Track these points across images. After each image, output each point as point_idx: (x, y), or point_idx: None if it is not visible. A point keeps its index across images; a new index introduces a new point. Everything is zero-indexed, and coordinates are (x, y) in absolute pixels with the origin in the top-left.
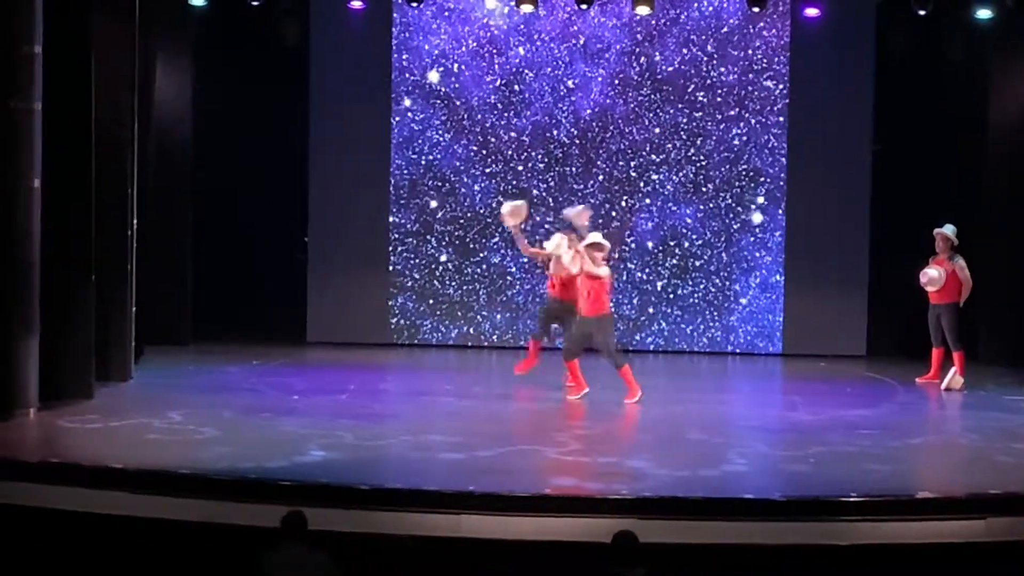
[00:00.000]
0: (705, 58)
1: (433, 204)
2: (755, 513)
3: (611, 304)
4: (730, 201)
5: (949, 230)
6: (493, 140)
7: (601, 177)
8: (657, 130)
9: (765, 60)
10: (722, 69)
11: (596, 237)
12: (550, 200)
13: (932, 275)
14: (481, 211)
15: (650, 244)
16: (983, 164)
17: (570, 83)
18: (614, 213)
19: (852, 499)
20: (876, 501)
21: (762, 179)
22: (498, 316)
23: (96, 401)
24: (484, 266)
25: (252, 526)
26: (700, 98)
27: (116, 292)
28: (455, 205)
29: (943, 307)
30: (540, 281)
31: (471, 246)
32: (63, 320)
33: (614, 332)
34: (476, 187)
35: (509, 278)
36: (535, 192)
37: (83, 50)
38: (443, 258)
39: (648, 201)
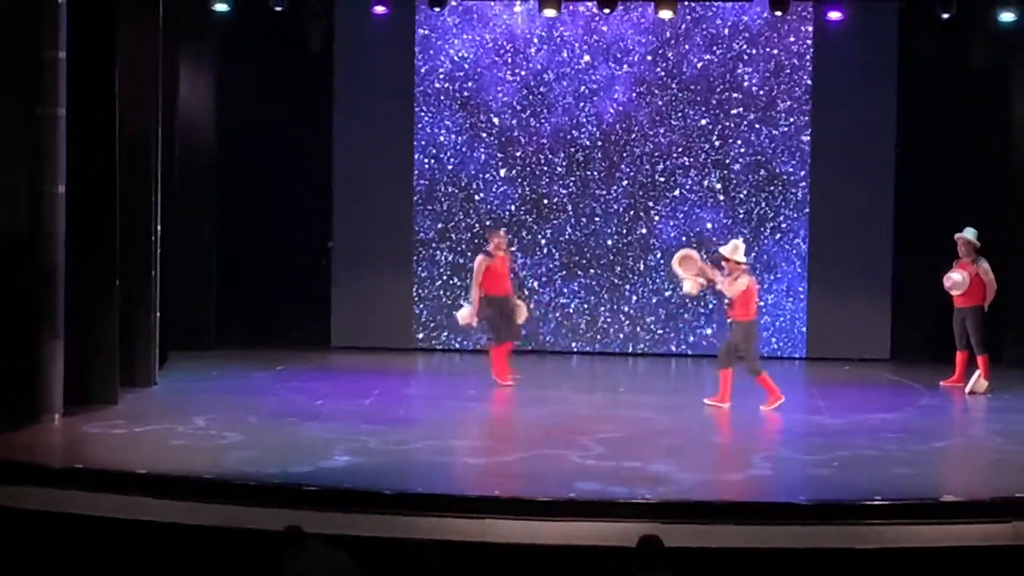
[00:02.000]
0: (729, 61)
1: (456, 209)
2: (780, 517)
3: (756, 310)
4: (754, 205)
5: (970, 233)
6: (515, 144)
7: (625, 182)
8: (682, 132)
9: (788, 63)
10: (746, 72)
11: (733, 251)
12: (569, 207)
13: (956, 279)
14: (502, 216)
15: (675, 248)
16: (1007, 167)
17: (593, 86)
18: (641, 224)
19: (877, 503)
20: (901, 505)
21: (786, 182)
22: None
23: (121, 406)
24: None
25: (277, 531)
26: (724, 101)
27: (140, 297)
28: (477, 210)
29: (968, 310)
30: (560, 286)
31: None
32: (88, 325)
33: (756, 338)
34: (497, 192)
35: (527, 286)
36: (551, 199)
37: (107, 55)
38: (464, 263)
39: (672, 205)
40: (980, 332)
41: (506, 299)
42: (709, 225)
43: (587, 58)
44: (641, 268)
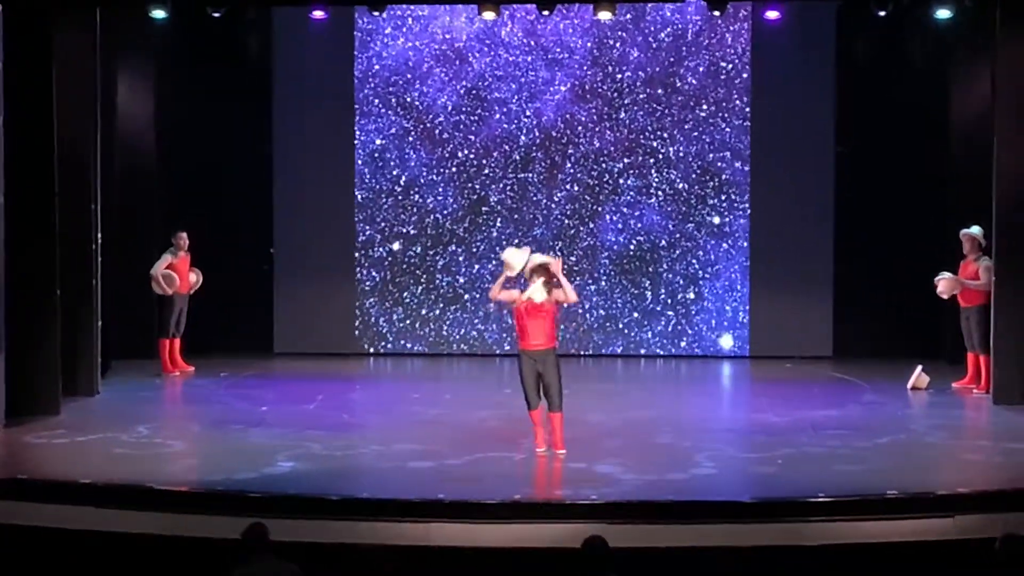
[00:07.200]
0: (668, 62)
1: (397, 214)
2: (724, 515)
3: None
4: (695, 205)
5: (976, 231)
6: (456, 149)
7: (570, 184)
8: (623, 133)
9: (727, 64)
10: (685, 73)
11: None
12: (503, 211)
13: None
14: (443, 220)
15: (616, 249)
16: (946, 164)
17: (533, 89)
18: (591, 224)
19: (821, 500)
20: (845, 501)
21: (727, 182)
22: (463, 325)
23: (63, 416)
24: (447, 275)
25: (222, 539)
26: (663, 102)
27: (81, 306)
28: (419, 215)
29: (971, 309)
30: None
31: (435, 256)
32: (29, 336)
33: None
34: (438, 196)
35: (472, 288)
36: (493, 200)
37: (44, 65)
38: (407, 267)
39: (613, 206)
40: (983, 331)
41: (184, 297)
42: (652, 225)
43: (527, 63)
44: (585, 268)
